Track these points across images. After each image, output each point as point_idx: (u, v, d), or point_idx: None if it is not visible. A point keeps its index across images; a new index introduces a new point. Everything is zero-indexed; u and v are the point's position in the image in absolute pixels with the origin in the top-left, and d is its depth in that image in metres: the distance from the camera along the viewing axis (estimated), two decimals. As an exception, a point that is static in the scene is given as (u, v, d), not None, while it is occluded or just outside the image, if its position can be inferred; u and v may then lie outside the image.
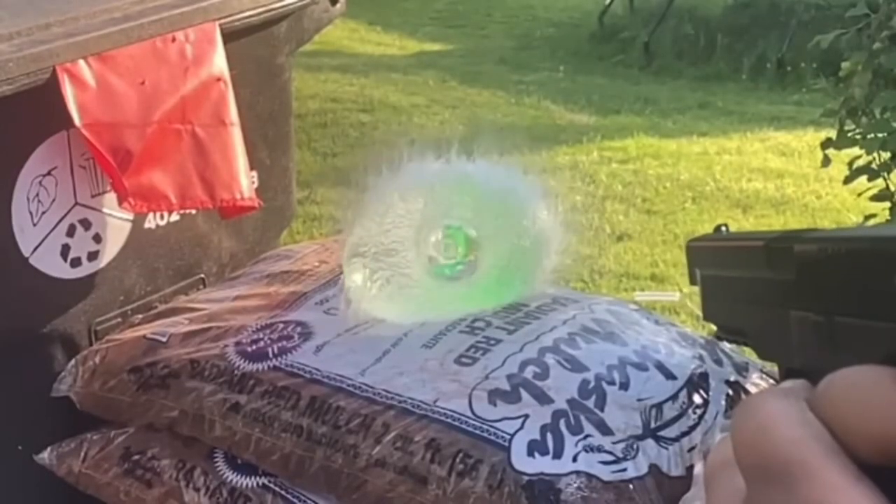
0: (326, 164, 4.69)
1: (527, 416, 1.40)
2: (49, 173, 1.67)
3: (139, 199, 1.68)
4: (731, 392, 1.52)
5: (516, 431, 1.38)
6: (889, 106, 2.71)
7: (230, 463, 1.55)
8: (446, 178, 1.59)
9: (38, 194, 1.66)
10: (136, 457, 1.61)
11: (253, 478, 1.52)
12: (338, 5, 2.09)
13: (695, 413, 1.47)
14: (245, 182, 1.81)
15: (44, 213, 1.67)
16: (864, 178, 2.77)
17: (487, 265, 1.58)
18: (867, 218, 2.89)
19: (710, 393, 1.50)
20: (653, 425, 1.43)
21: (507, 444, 1.37)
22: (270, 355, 1.57)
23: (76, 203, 1.71)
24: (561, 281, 1.71)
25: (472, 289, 1.58)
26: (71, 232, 1.71)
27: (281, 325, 1.63)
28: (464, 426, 1.40)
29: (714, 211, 4.28)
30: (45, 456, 1.68)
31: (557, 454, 1.36)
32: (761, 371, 1.58)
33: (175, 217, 1.86)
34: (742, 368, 1.57)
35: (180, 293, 1.89)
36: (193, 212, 1.86)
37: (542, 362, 1.47)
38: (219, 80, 1.78)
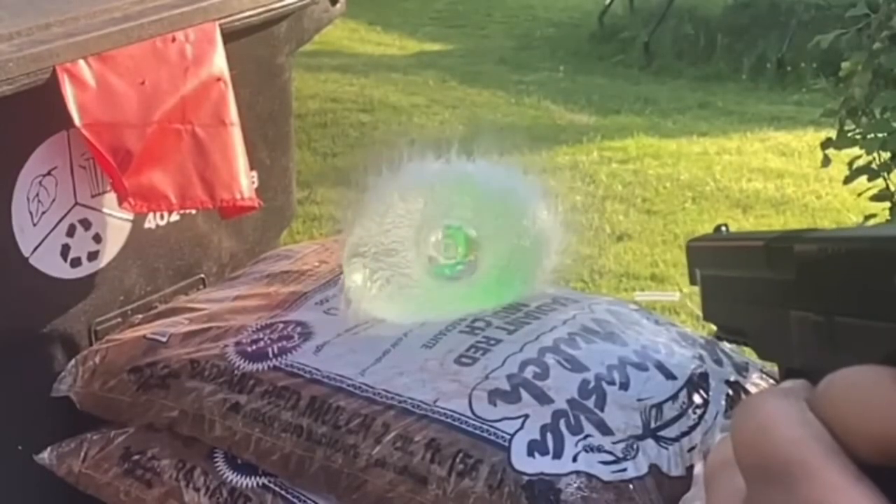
0: (326, 164, 4.69)
1: (527, 416, 1.40)
2: (49, 173, 1.67)
3: (139, 199, 1.68)
4: (731, 392, 1.52)
5: (516, 431, 1.38)
6: (889, 106, 2.71)
7: (230, 463, 1.55)
8: (446, 178, 1.59)
9: (38, 194, 1.66)
10: (136, 457, 1.61)
11: (253, 478, 1.52)
12: (338, 5, 2.09)
13: (695, 413, 1.47)
14: (245, 182, 1.81)
15: (44, 213, 1.67)
16: (864, 178, 2.77)
17: (487, 265, 1.58)
18: (867, 218, 2.89)
19: (710, 393, 1.50)
20: (653, 425, 1.43)
21: (507, 444, 1.37)
22: (270, 355, 1.57)
23: (76, 203, 1.71)
24: (561, 281, 1.71)
25: (472, 289, 1.58)
26: (71, 232, 1.71)
27: (281, 325, 1.63)
28: (464, 426, 1.40)
29: (714, 211, 4.28)
30: (45, 456, 1.68)
31: (557, 454, 1.36)
32: (761, 371, 1.59)
33: (175, 217, 1.86)
34: (742, 368, 1.57)
35: (180, 293, 1.89)
36: (193, 212, 1.86)
37: (542, 362, 1.47)
38: (219, 80, 1.78)
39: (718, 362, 1.55)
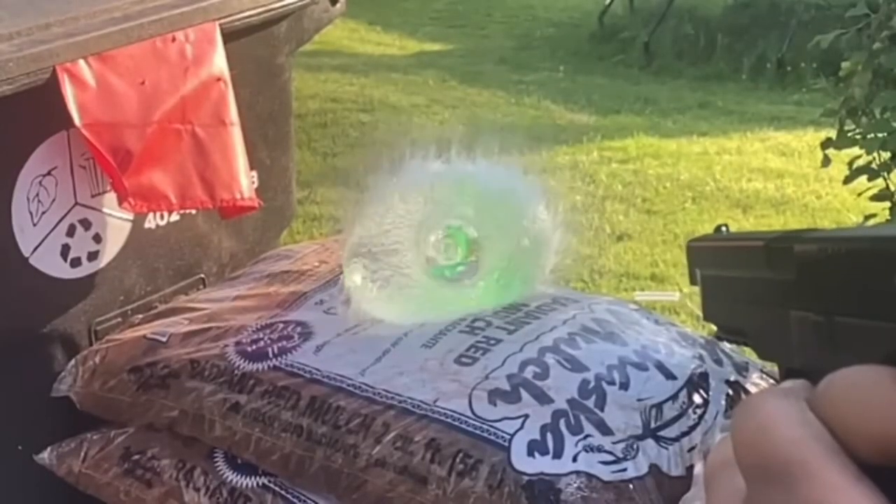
0: (326, 164, 4.69)
1: (527, 415, 1.40)
2: (49, 173, 1.67)
3: (139, 199, 1.68)
4: (731, 392, 1.52)
5: (516, 431, 1.38)
6: (889, 106, 2.71)
7: (230, 463, 1.55)
8: (446, 178, 1.59)
9: (38, 194, 1.66)
10: (136, 457, 1.61)
11: (253, 478, 1.52)
12: (338, 5, 2.09)
13: (695, 413, 1.47)
14: (245, 182, 1.81)
15: (44, 213, 1.67)
16: (864, 178, 2.77)
17: (488, 267, 1.58)
18: (867, 218, 2.89)
19: (710, 393, 1.50)
20: (653, 425, 1.43)
21: (507, 443, 1.37)
22: (270, 355, 1.57)
23: (76, 203, 1.71)
24: (561, 281, 1.71)
25: (472, 289, 1.58)
26: (71, 232, 1.71)
27: (281, 325, 1.63)
28: (464, 426, 1.40)
29: (714, 211, 4.28)
30: (45, 456, 1.68)
31: (557, 454, 1.36)
32: (761, 371, 1.59)
33: (175, 217, 1.86)
34: (742, 368, 1.57)
35: (180, 293, 1.89)
36: (193, 212, 1.86)
37: (542, 362, 1.47)
38: (219, 80, 1.78)
39: (718, 362, 1.55)
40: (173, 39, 1.74)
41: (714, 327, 0.64)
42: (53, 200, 1.68)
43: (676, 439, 1.43)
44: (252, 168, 1.87)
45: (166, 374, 1.61)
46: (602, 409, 1.42)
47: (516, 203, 1.58)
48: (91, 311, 1.77)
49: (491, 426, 1.39)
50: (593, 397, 1.43)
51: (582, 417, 1.41)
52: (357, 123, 5.24)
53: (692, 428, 1.45)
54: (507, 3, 8.51)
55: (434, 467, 1.38)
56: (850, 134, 2.76)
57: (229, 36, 1.82)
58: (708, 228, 3.90)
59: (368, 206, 1.59)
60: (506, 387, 1.43)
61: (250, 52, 1.93)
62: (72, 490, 1.66)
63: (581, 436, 1.39)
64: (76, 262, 1.73)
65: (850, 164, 2.79)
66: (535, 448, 1.37)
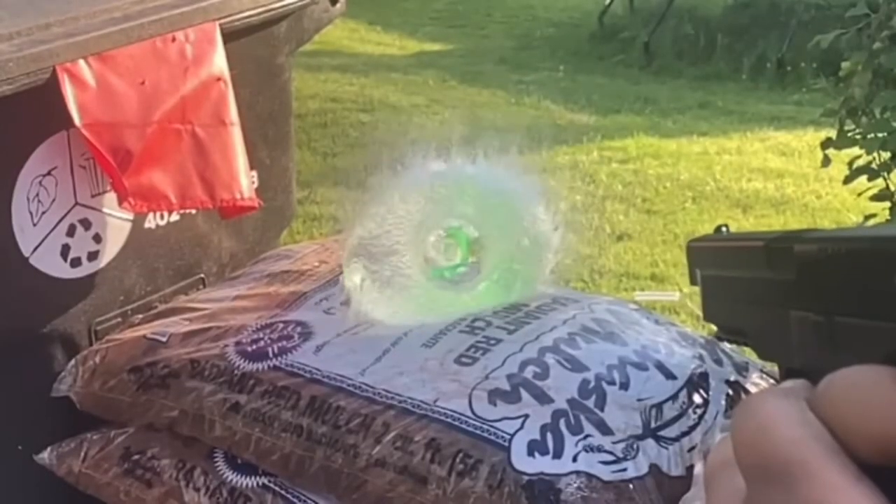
0: (326, 164, 4.69)
1: (527, 415, 1.40)
2: (49, 173, 1.67)
3: (139, 198, 1.68)
4: (731, 392, 1.52)
5: (516, 431, 1.38)
6: (889, 106, 2.71)
7: (230, 463, 1.55)
8: (446, 178, 1.59)
9: (38, 194, 1.66)
10: (136, 457, 1.61)
11: (253, 478, 1.52)
12: (338, 5, 2.09)
13: (695, 413, 1.47)
14: (245, 182, 1.81)
15: (44, 213, 1.67)
16: (864, 178, 2.77)
17: (488, 268, 1.58)
18: (867, 218, 2.89)
19: (710, 393, 1.50)
20: (653, 425, 1.43)
21: (507, 443, 1.37)
22: (270, 355, 1.57)
23: (76, 203, 1.71)
24: (561, 281, 1.71)
25: (472, 291, 1.58)
26: (71, 232, 1.71)
27: (281, 325, 1.63)
28: (464, 426, 1.40)
29: (714, 211, 4.28)
30: (45, 456, 1.68)
31: (557, 454, 1.36)
32: (761, 371, 1.58)
33: (175, 217, 1.86)
34: (742, 368, 1.57)
35: (180, 293, 1.89)
36: (193, 212, 1.86)
37: (542, 362, 1.47)
38: (219, 79, 1.78)
39: (718, 362, 1.55)
40: (173, 39, 1.74)
41: (714, 327, 0.64)
42: (53, 200, 1.68)
43: (676, 439, 1.43)
44: (252, 168, 1.87)
45: (166, 374, 1.61)
46: (602, 409, 1.42)
47: (516, 203, 1.59)
48: (91, 311, 1.77)
49: (491, 426, 1.39)
50: (593, 397, 1.43)
51: (582, 417, 1.41)
52: (357, 123, 5.24)
53: (692, 428, 1.45)
54: (507, 3, 8.51)
55: (434, 467, 1.38)
56: (850, 134, 2.76)
57: (229, 36, 1.82)
58: (708, 228, 3.91)
59: (368, 207, 1.59)
60: (506, 387, 1.43)
61: (250, 52, 1.93)
62: (72, 490, 1.66)
63: (581, 436, 1.39)
64: (76, 262, 1.73)
65: (850, 164, 2.79)
66: (535, 448, 1.37)
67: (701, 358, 1.54)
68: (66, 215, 1.70)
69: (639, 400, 1.45)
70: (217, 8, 1.81)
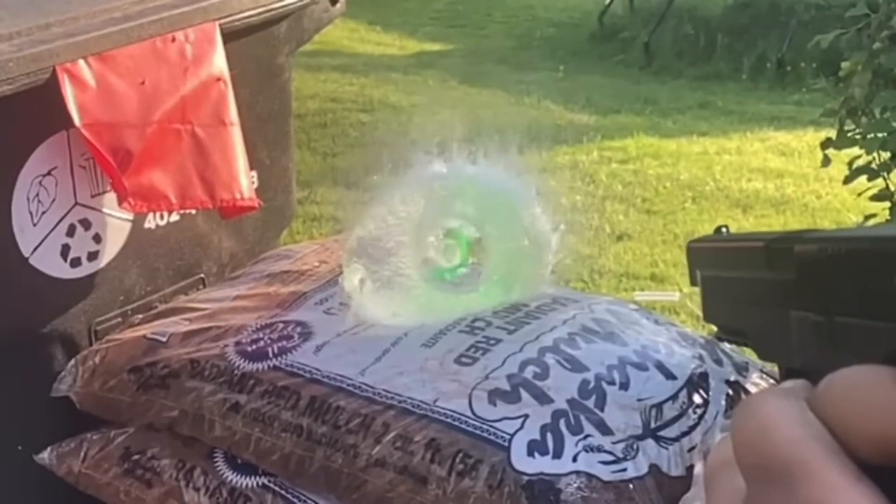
0: (326, 164, 4.69)
1: (527, 416, 1.40)
2: (49, 173, 1.67)
3: (139, 199, 1.68)
4: (731, 392, 1.52)
5: (516, 431, 1.38)
6: (889, 106, 2.71)
7: (230, 463, 1.55)
8: (446, 178, 1.59)
9: (38, 194, 1.66)
10: (136, 457, 1.62)
11: (253, 478, 1.52)
12: (338, 5, 2.09)
13: (695, 413, 1.47)
14: (245, 182, 1.81)
15: (44, 213, 1.67)
16: (863, 178, 2.77)
17: (489, 270, 1.58)
18: (867, 218, 2.89)
19: (710, 393, 1.50)
20: (653, 425, 1.43)
21: (506, 443, 1.37)
22: (270, 355, 1.57)
23: (76, 203, 1.71)
24: (561, 281, 1.71)
25: (473, 291, 1.58)
26: (71, 232, 1.71)
27: (281, 325, 1.63)
28: (464, 426, 1.40)
29: (714, 211, 4.28)
30: (45, 456, 1.68)
31: (557, 454, 1.36)
32: (761, 371, 1.59)
33: (175, 217, 1.86)
34: (742, 368, 1.57)
35: (180, 293, 1.89)
36: (193, 212, 1.86)
37: (542, 362, 1.47)
38: (219, 80, 1.78)
39: (718, 362, 1.55)
40: (173, 39, 1.74)
41: (714, 328, 0.64)
42: (53, 200, 1.68)
43: (676, 439, 1.43)
44: (252, 168, 1.87)
45: (166, 374, 1.61)
46: (602, 409, 1.42)
47: (516, 204, 1.58)
48: (91, 311, 1.77)
49: (491, 426, 1.39)
50: (593, 397, 1.43)
51: (582, 417, 1.41)
52: (357, 123, 5.24)
53: (692, 428, 1.45)
54: (507, 3, 8.51)
55: (434, 467, 1.38)
56: (850, 134, 2.76)
57: (229, 36, 1.82)
58: (708, 228, 3.91)
59: (369, 207, 1.59)
60: (506, 387, 1.43)
61: (250, 52, 1.93)
62: (72, 490, 1.66)
63: (581, 436, 1.39)
64: (76, 262, 1.73)
65: (850, 164, 2.79)
66: (535, 448, 1.37)
67: (701, 358, 1.54)
68: (66, 215, 1.70)
69: (639, 400, 1.45)
70: (217, 8, 1.81)
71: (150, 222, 1.84)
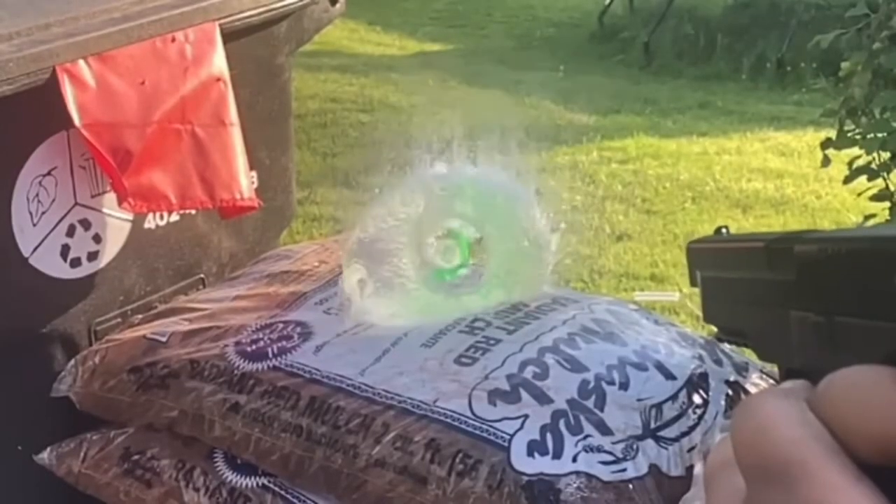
0: (326, 164, 4.69)
1: (526, 416, 1.40)
2: (49, 173, 1.67)
3: (139, 199, 1.68)
4: (730, 392, 1.52)
5: (516, 431, 1.38)
6: (889, 106, 2.71)
7: (230, 463, 1.55)
8: (446, 179, 1.59)
9: (37, 194, 1.66)
10: (136, 457, 1.61)
11: (253, 478, 1.52)
12: (338, 5, 2.09)
13: (694, 413, 1.47)
14: (245, 182, 1.81)
15: (44, 213, 1.67)
16: (863, 178, 2.77)
17: (489, 270, 1.58)
18: (867, 218, 2.89)
19: (710, 393, 1.50)
20: (653, 425, 1.43)
21: (506, 444, 1.37)
22: (270, 355, 1.57)
23: (76, 203, 1.71)
24: (561, 281, 1.71)
25: (473, 292, 1.58)
26: (71, 232, 1.71)
27: (281, 325, 1.63)
28: (463, 426, 1.40)
29: (714, 211, 4.28)
30: (45, 456, 1.68)
31: (557, 454, 1.36)
32: (761, 371, 1.58)
33: (175, 217, 1.86)
34: (742, 368, 1.57)
35: (180, 293, 1.89)
36: (193, 212, 1.86)
37: (541, 362, 1.47)
38: (219, 80, 1.78)
39: (718, 362, 1.55)
40: (173, 39, 1.74)
41: (714, 328, 0.64)
42: (53, 200, 1.68)
43: (676, 439, 1.43)
44: (252, 168, 1.87)
45: (166, 374, 1.61)
46: (602, 410, 1.42)
47: (516, 204, 1.58)
48: (91, 311, 1.77)
49: (491, 426, 1.39)
50: (593, 397, 1.43)
51: (582, 417, 1.41)
52: (357, 123, 5.24)
53: (692, 428, 1.45)
54: (507, 3, 8.51)
55: (434, 467, 1.38)
56: (849, 134, 2.76)
57: (229, 36, 1.82)
58: (708, 228, 3.91)
59: (368, 208, 1.59)
60: (505, 387, 1.43)
61: (250, 52, 1.93)
62: (72, 490, 1.66)
63: (581, 436, 1.39)
64: (76, 262, 1.73)
65: (850, 164, 2.79)
66: (534, 448, 1.37)
67: (701, 358, 1.54)
68: (65, 215, 1.70)
69: (638, 400, 1.45)
70: (217, 8, 1.81)
71: (150, 222, 1.84)
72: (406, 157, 1.58)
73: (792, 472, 0.35)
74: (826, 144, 2.84)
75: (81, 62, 1.61)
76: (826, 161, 2.87)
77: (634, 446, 1.39)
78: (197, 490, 1.55)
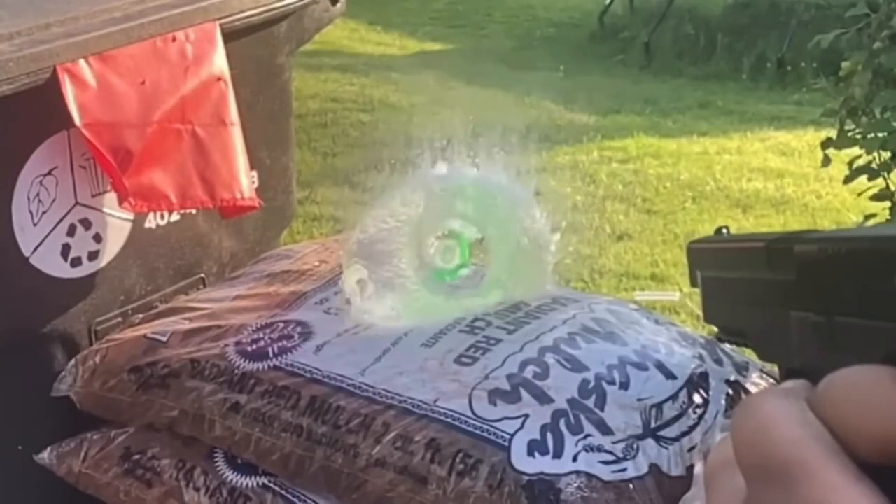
0: (326, 163, 4.69)
1: (527, 415, 1.40)
2: (49, 173, 1.67)
3: (139, 198, 1.68)
4: (731, 392, 1.52)
5: (516, 431, 1.38)
6: (889, 105, 2.71)
7: (230, 463, 1.55)
8: (446, 179, 1.59)
9: (38, 194, 1.66)
10: (136, 456, 1.62)
11: (253, 477, 1.52)
12: (338, 5, 2.09)
13: (695, 413, 1.47)
14: (245, 182, 1.81)
15: (44, 212, 1.67)
16: (864, 178, 2.77)
17: (489, 270, 1.58)
18: (867, 217, 2.89)
19: (710, 392, 1.50)
20: (653, 425, 1.43)
21: (507, 443, 1.37)
22: (270, 355, 1.57)
23: (76, 203, 1.72)
24: (561, 281, 1.71)
25: (473, 293, 1.58)
26: (71, 231, 1.71)
27: (281, 325, 1.63)
28: (464, 426, 1.40)
29: (714, 211, 4.28)
30: (45, 456, 1.68)
31: (557, 454, 1.36)
32: (761, 371, 1.59)
33: (175, 217, 1.86)
34: (742, 368, 1.57)
35: (180, 293, 1.89)
36: (194, 211, 1.86)
37: (542, 362, 1.47)
38: (219, 79, 1.78)
39: (718, 362, 1.55)
40: (173, 39, 1.74)
41: (714, 328, 0.64)
42: (54, 200, 1.68)
43: (676, 439, 1.43)
44: (252, 168, 1.87)
45: (166, 374, 1.61)
46: (602, 409, 1.42)
47: (516, 204, 1.58)
48: (91, 311, 1.77)
49: (491, 426, 1.39)
50: (593, 397, 1.43)
51: (582, 417, 1.41)
52: (357, 123, 5.24)
53: (692, 428, 1.45)
54: (507, 3, 8.51)
55: (434, 467, 1.38)
56: (850, 133, 2.76)
57: (229, 36, 1.82)
58: (708, 228, 3.91)
59: (369, 208, 1.59)
60: (506, 387, 1.43)
61: (250, 51, 1.93)
62: (72, 490, 1.66)
63: (581, 435, 1.39)
64: (76, 262, 1.73)
65: (851, 163, 2.79)
66: (535, 448, 1.37)
67: (701, 358, 1.54)
68: (66, 215, 1.70)
69: (639, 400, 1.45)
70: (217, 8, 1.81)
71: (151, 222, 1.84)
72: (406, 156, 1.58)
73: (792, 472, 0.35)
74: (826, 144, 2.84)
75: (82, 62, 1.61)
76: (826, 161, 2.87)
77: (635, 446, 1.39)
78: (197, 490, 1.55)
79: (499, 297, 1.59)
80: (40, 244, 1.67)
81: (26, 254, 1.66)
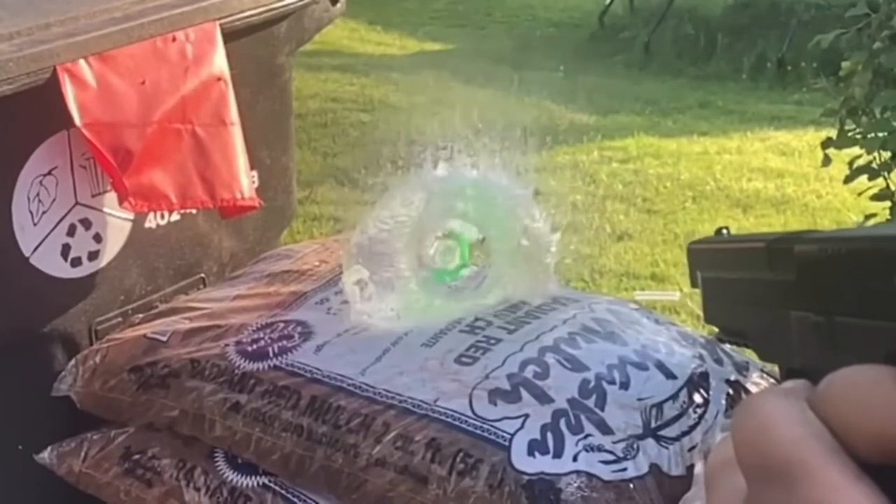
0: (326, 163, 4.69)
1: (527, 415, 1.40)
2: (49, 173, 1.67)
3: (139, 198, 1.68)
4: (731, 391, 1.52)
5: (516, 431, 1.38)
6: (889, 105, 2.71)
7: (230, 462, 1.55)
8: (446, 180, 1.59)
9: (38, 194, 1.66)
10: (137, 456, 1.62)
11: (253, 477, 1.52)
12: (338, 5, 2.09)
13: (695, 412, 1.47)
14: (245, 182, 1.81)
15: (44, 212, 1.67)
16: (864, 178, 2.77)
17: (490, 271, 1.58)
18: (867, 217, 2.89)
19: (711, 392, 1.50)
20: (653, 425, 1.43)
21: (507, 443, 1.37)
22: (271, 355, 1.57)
23: (76, 203, 1.72)
24: (561, 280, 1.71)
25: (474, 293, 1.58)
26: (71, 231, 1.72)
27: (281, 325, 1.63)
28: (464, 426, 1.40)
29: (714, 210, 4.28)
30: (46, 456, 1.68)
31: (558, 454, 1.36)
32: (761, 371, 1.59)
33: (175, 217, 1.86)
34: (742, 368, 1.57)
35: (180, 293, 1.89)
36: (194, 211, 1.86)
37: (542, 362, 1.47)
38: (219, 79, 1.78)
39: (719, 361, 1.55)
40: (174, 39, 1.74)
41: (714, 328, 0.64)
42: (54, 200, 1.68)
43: (677, 439, 1.43)
44: (252, 168, 1.87)
45: (167, 374, 1.61)
46: (602, 409, 1.42)
47: (516, 204, 1.58)
48: (91, 311, 1.77)
49: (491, 426, 1.39)
50: (593, 397, 1.43)
51: (582, 417, 1.41)
52: (357, 123, 5.24)
53: (692, 427, 1.45)
54: (507, 3, 8.51)
55: (434, 467, 1.38)
56: (850, 133, 2.76)
57: (229, 36, 1.82)
58: (708, 228, 3.91)
59: (369, 209, 1.59)
60: (506, 386, 1.43)
61: (251, 51, 1.93)
62: (72, 490, 1.66)
63: (581, 435, 1.39)
64: (76, 262, 1.73)
65: (851, 163, 2.79)
66: (535, 447, 1.37)
67: (701, 357, 1.54)
68: (66, 215, 1.70)
69: (639, 399, 1.45)
70: (217, 8, 1.81)
71: (151, 222, 1.84)
72: (406, 156, 1.58)
73: (792, 472, 0.35)
74: (826, 144, 2.84)
75: (82, 62, 1.61)
76: (827, 160, 2.87)
77: (635, 446, 1.39)
78: (197, 489, 1.55)
79: (499, 297, 1.59)
80: (40, 244, 1.67)
81: (26, 254, 1.66)
